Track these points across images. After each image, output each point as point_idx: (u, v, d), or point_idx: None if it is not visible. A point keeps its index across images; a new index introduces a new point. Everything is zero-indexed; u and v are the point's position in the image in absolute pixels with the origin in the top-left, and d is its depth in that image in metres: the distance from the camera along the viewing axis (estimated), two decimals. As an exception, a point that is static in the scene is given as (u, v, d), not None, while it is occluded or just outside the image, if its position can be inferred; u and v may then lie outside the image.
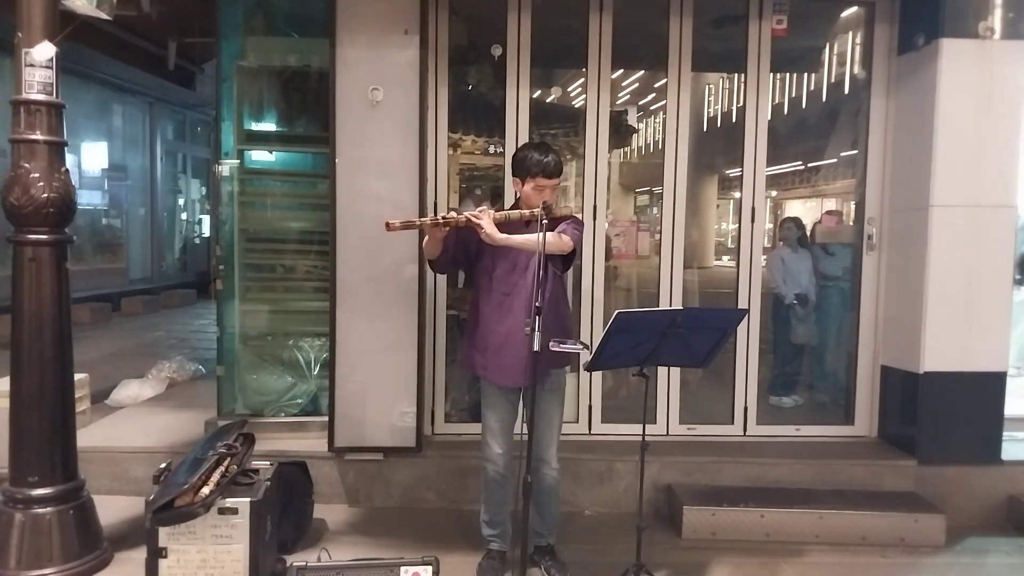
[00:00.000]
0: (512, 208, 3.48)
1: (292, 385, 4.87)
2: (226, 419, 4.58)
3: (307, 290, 5.08)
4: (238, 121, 4.86)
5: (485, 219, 3.17)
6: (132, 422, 5.21)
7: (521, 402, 3.50)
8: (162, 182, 14.92)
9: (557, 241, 3.26)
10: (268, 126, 5.08)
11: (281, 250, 5.08)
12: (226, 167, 4.85)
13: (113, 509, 4.00)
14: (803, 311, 5.71)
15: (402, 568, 3.05)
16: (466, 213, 3.20)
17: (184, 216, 16.44)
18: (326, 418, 4.45)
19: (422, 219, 3.26)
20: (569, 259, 3.46)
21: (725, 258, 7.43)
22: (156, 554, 3.15)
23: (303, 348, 4.92)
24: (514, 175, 3.42)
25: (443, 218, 3.19)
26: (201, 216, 17.10)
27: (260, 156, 5.15)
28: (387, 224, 3.13)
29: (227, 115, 4.79)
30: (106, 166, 13.25)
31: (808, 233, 5.98)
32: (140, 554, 3.65)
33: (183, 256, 16.32)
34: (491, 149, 5.31)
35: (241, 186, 4.90)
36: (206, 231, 16.96)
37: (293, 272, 5.08)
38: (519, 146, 3.49)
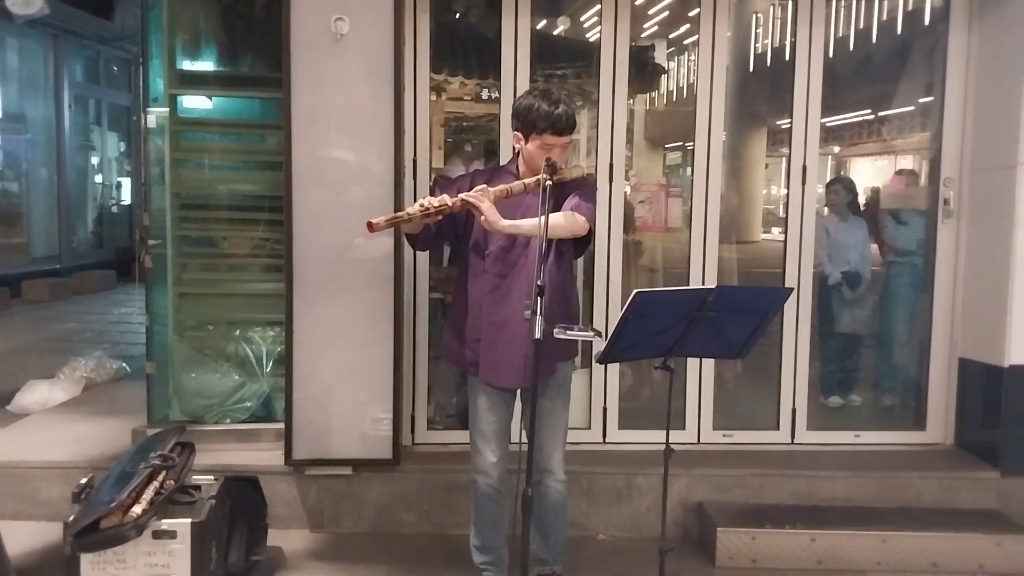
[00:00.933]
0: (510, 163, 3.61)
1: (239, 385, 4.98)
2: (158, 427, 4.67)
3: (256, 269, 5.19)
4: (169, 59, 4.94)
5: (485, 203, 3.25)
6: (41, 432, 5.32)
7: (519, 401, 3.63)
8: (71, 136, 14.93)
9: (568, 223, 3.35)
10: (206, 65, 5.17)
11: (224, 219, 5.17)
12: (154, 117, 4.92)
13: (20, 536, 4.11)
14: (852, 294, 5.83)
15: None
16: (462, 195, 3.29)
17: (99, 179, 16.45)
18: (282, 425, 4.57)
19: (410, 211, 3.34)
20: (584, 242, 3.56)
21: (776, 230, 7.53)
22: (77, 587, 3.26)
23: (252, 340, 5.03)
24: (515, 129, 3.50)
25: (436, 208, 3.27)
26: (120, 179, 17.11)
27: (196, 103, 5.22)
28: (369, 224, 3.22)
29: (156, 52, 4.88)
30: (-1, 116, 13.30)
31: (873, 197, 6.09)
32: (57, 587, 3.84)
33: (98, 229, 16.35)
34: (483, 94, 5.40)
35: (174, 140, 4.98)
36: (126, 197, 16.99)
37: (239, 247, 5.17)
38: (522, 94, 3.58)
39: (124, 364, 7.06)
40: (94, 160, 16.20)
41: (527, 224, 3.30)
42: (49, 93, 14.26)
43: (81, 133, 15.66)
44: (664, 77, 6.41)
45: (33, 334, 10.16)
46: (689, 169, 5.07)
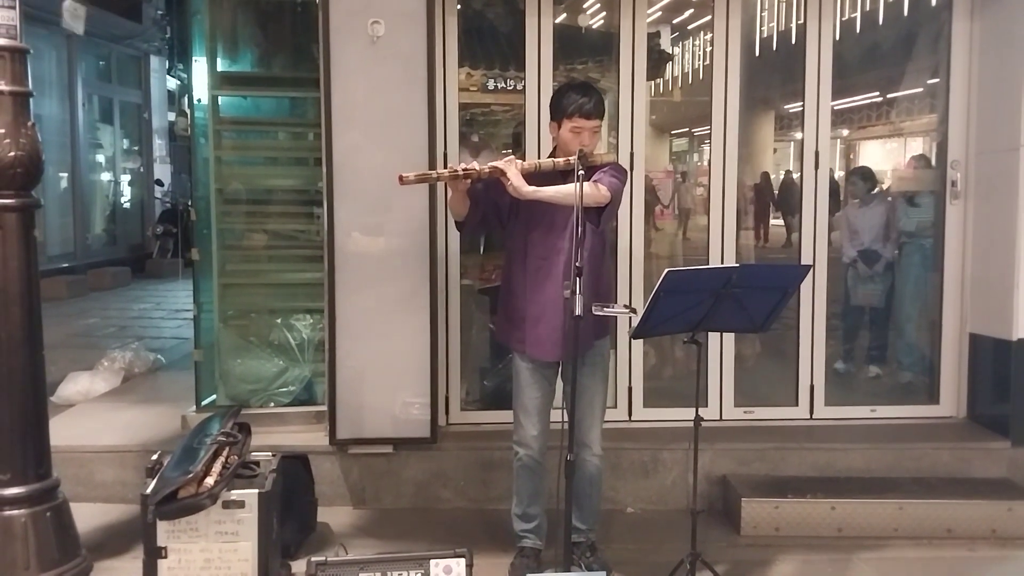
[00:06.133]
0: (549, 155, 3.87)
1: (283, 370, 5.27)
2: (207, 412, 4.97)
3: (297, 259, 5.48)
4: (210, 62, 5.21)
5: (511, 169, 3.54)
6: (91, 419, 5.60)
7: (560, 378, 3.92)
8: (84, 135, 15.13)
9: (591, 192, 3.59)
10: (246, 67, 5.46)
11: (265, 213, 5.47)
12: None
13: (80, 517, 4.27)
14: (867, 270, 6.17)
15: (431, 561, 3.47)
16: (491, 163, 3.60)
17: (107, 176, 16.65)
18: (323, 407, 4.85)
19: (439, 171, 3.67)
20: (606, 212, 3.80)
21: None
22: (155, 554, 3.55)
23: (294, 327, 5.31)
24: (552, 118, 3.82)
25: (463, 169, 3.58)
26: (128, 176, 17.26)
27: (236, 103, 5.51)
28: (400, 177, 3.53)
29: (198, 54, 5.16)
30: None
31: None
32: (121, 563, 4.14)
33: (111, 226, 16.58)
34: (490, 84, 5.64)
35: (216, 139, 5.26)
36: (126, 194, 17.16)
37: (280, 239, 5.47)
38: (557, 87, 3.86)
39: (160, 356, 7.34)
40: (100, 158, 16.37)
41: (549, 190, 3.57)
42: (63, 92, 14.45)
43: (92, 132, 15.85)
44: (671, 64, 6.57)
45: (58, 330, 10.35)
46: (696, 155, 5.28)
